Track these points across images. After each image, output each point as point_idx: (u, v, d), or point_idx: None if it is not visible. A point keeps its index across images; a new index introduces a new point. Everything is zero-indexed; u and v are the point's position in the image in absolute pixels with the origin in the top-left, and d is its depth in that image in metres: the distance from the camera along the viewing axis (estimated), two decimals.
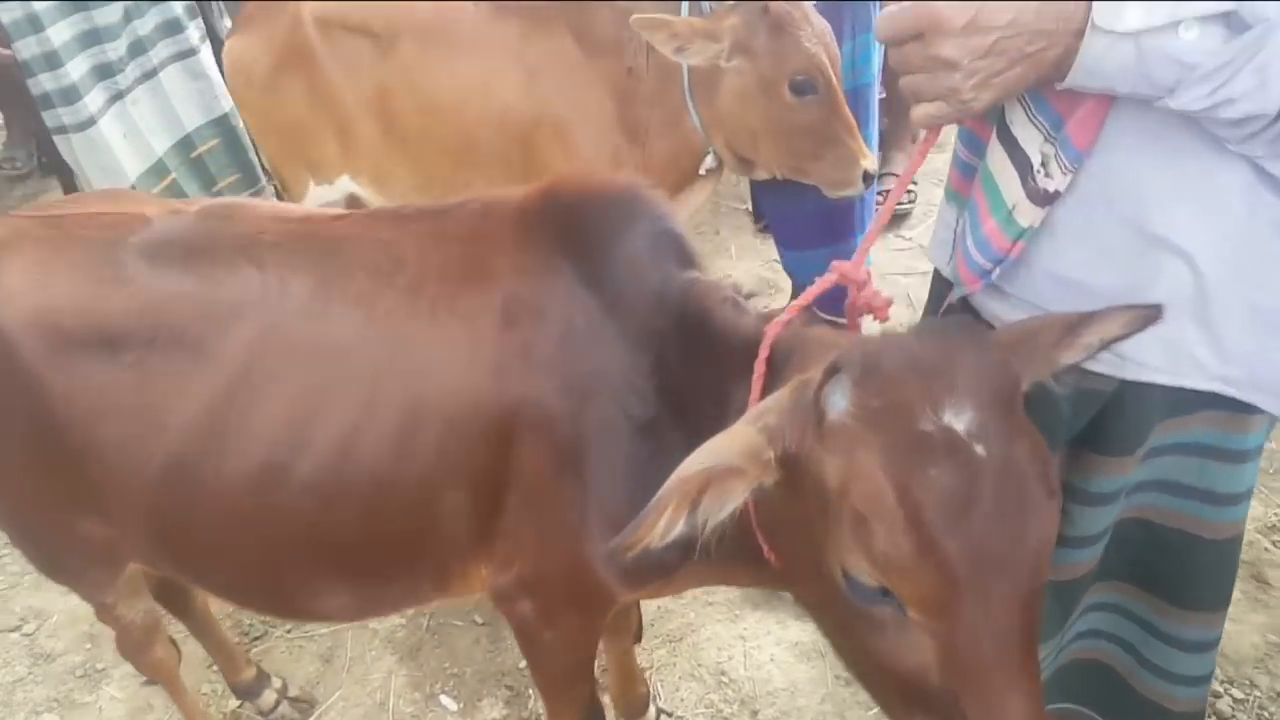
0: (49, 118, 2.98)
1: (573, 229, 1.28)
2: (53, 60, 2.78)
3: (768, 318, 1.19)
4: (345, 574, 1.41)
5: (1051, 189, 1.07)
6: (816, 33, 1.99)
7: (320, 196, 2.57)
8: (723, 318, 1.22)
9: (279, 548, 1.35)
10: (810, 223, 2.41)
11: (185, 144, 3.25)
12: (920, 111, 1.01)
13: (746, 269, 3.49)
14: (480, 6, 2.29)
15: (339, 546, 1.35)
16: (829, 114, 2.03)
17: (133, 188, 3.09)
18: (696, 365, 1.24)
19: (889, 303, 1.16)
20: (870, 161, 2.08)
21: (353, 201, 2.58)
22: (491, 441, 1.28)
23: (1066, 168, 1.05)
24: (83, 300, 1.30)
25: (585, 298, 1.26)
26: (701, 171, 2.26)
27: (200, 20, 3.21)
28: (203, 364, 1.28)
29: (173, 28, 3.11)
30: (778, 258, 2.62)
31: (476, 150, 2.31)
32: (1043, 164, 1.07)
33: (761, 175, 2.28)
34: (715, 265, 3.60)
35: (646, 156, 2.25)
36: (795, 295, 2.96)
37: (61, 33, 2.77)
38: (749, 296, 1.28)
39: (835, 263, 1.16)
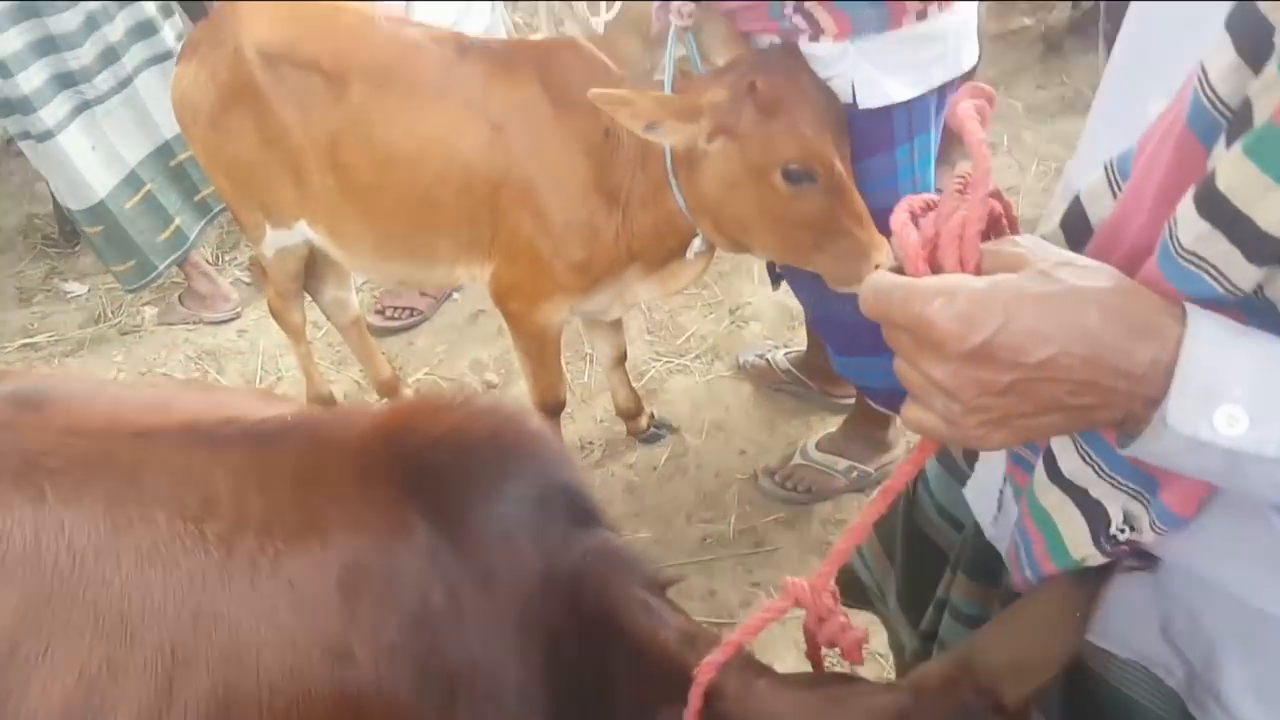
0: (10, 124, 2.78)
1: (428, 480, 1.01)
2: (2, 70, 2.56)
3: (692, 638, 0.92)
4: None
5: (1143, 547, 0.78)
6: (817, 111, 1.64)
7: (279, 241, 2.32)
8: (634, 625, 0.95)
9: None
10: (865, 327, 2.05)
11: (163, 152, 3.03)
12: (909, 414, 0.69)
13: (769, 295, 3.14)
14: (442, 45, 1.97)
15: None
16: (832, 203, 1.69)
17: (102, 202, 2.89)
18: (604, 673, 0.98)
19: (860, 643, 0.86)
20: (884, 254, 1.74)
21: (314, 248, 2.32)
22: None
23: (1160, 529, 0.75)
24: None
25: (448, 569, 0.99)
26: (689, 255, 1.93)
27: (176, 18, 2.95)
28: None
29: (145, 30, 2.85)
30: None
31: (437, 211, 2.02)
32: (1126, 521, 0.77)
33: (762, 257, 1.96)
34: (735, 288, 3.27)
35: (626, 226, 1.94)
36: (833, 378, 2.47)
37: (10, 41, 2.54)
38: (664, 585, 1.01)
39: (789, 581, 0.86)
